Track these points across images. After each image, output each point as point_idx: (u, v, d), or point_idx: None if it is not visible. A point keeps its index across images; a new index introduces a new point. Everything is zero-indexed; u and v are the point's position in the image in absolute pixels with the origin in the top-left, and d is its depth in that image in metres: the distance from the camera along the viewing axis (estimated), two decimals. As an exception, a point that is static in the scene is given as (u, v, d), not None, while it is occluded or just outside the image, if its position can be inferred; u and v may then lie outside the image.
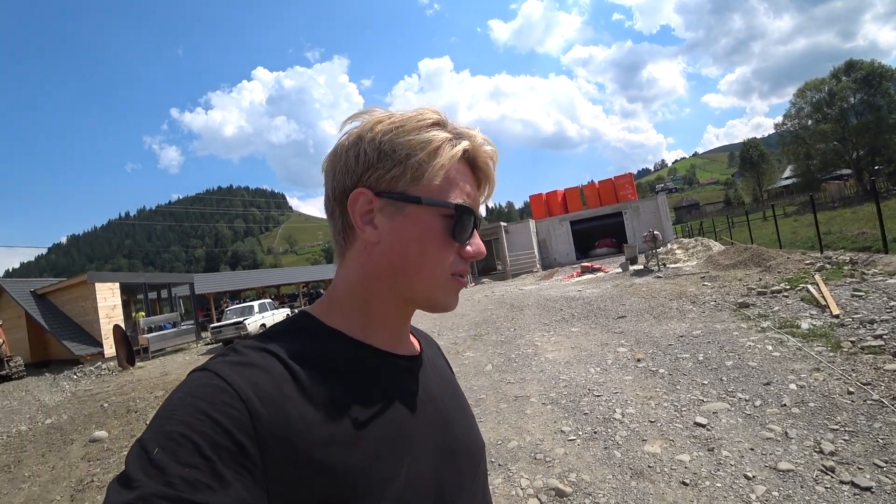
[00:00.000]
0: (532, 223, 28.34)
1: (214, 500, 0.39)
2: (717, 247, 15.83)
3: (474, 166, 0.61)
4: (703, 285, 9.72)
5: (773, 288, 7.67)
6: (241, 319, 15.18)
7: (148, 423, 0.44)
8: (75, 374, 14.79)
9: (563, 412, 4.15)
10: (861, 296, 6.03)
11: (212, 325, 16.57)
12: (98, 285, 17.11)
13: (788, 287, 7.61)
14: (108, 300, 17.31)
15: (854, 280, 7.05)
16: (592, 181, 32.63)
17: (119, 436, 6.92)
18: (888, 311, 5.21)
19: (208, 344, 16.69)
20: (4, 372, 16.05)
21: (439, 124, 0.58)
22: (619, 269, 15.80)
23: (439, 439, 0.59)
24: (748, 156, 71.20)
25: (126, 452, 4.17)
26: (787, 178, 61.10)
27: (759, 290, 7.81)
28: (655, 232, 14.10)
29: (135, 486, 0.39)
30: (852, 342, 4.52)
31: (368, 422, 0.52)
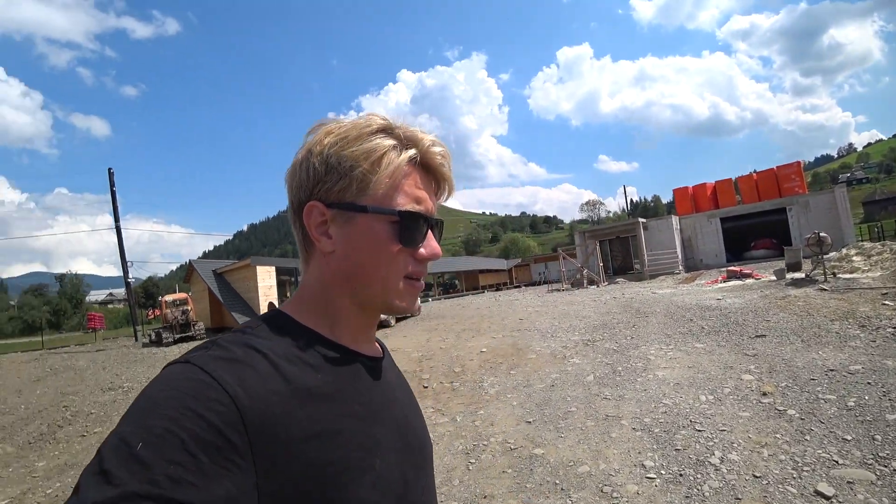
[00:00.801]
0: (675, 220, 25.75)
1: (200, 498, 0.38)
2: (914, 255, 12.76)
3: (426, 168, 0.62)
4: (883, 304, 7.88)
5: None
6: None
7: (124, 415, 0.44)
8: (240, 341, 17.38)
9: (653, 443, 3.71)
10: None
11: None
12: (259, 268, 19.93)
13: None
14: (266, 281, 20.02)
15: None
16: (753, 172, 28.31)
17: None
18: None
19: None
20: (190, 333, 19.73)
21: (384, 130, 0.60)
22: (774, 277, 13.61)
23: (401, 436, 0.62)
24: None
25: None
26: None
27: None
28: (822, 234, 11.80)
29: (116, 482, 0.37)
30: None
31: (346, 417, 0.54)
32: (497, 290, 40.45)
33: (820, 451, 3.28)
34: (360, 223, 0.58)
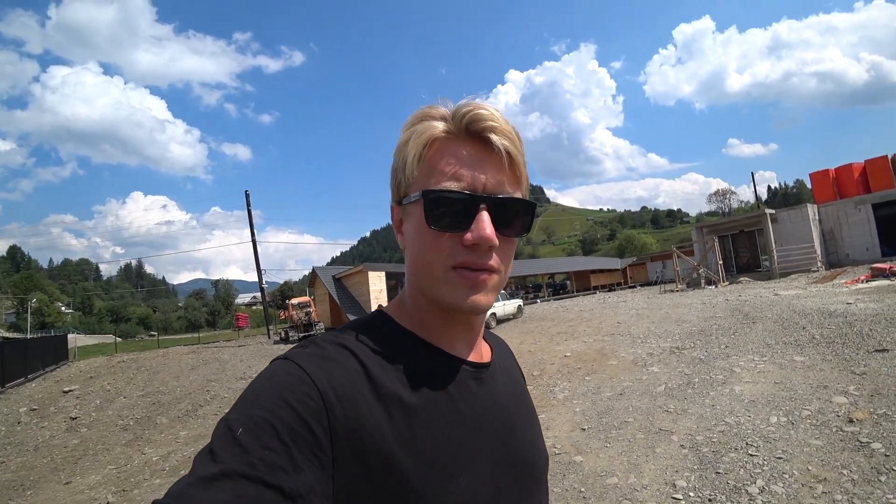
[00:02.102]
0: (812, 209, 22.51)
1: (288, 483, 0.41)
2: None
3: (476, 139, 0.55)
4: None
5: None
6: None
7: (234, 403, 0.48)
8: (352, 341, 18.98)
9: (696, 462, 3.54)
10: None
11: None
12: (370, 273, 21.52)
13: None
14: (377, 285, 21.54)
15: None
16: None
17: None
18: None
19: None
20: (312, 333, 21.92)
21: (426, 118, 0.57)
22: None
23: (501, 449, 0.59)
24: None
25: None
26: None
27: None
28: None
29: (219, 461, 0.42)
30: None
31: (433, 427, 0.53)
32: (610, 290, 38.67)
33: (891, 497, 2.87)
34: (411, 214, 0.57)
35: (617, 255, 62.62)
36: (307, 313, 22.75)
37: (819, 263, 21.11)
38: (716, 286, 20.60)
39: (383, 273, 22.04)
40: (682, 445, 3.89)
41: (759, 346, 7.13)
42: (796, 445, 3.66)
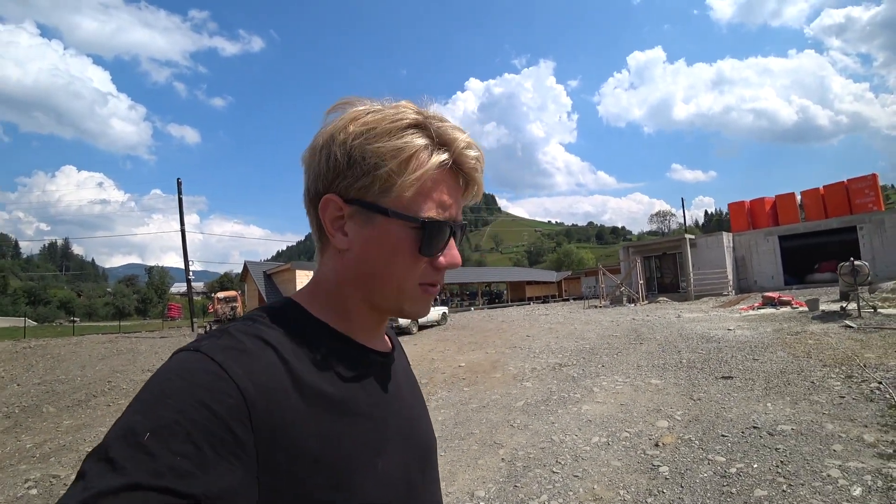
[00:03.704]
0: (727, 237, 24.10)
1: (203, 489, 0.38)
2: (976, 291, 11.22)
3: (457, 170, 0.58)
4: (898, 351, 7.10)
5: None
6: (393, 312, 16.97)
7: (132, 401, 0.43)
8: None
9: (504, 475, 3.71)
10: None
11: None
12: (298, 272, 21.17)
13: None
14: (304, 284, 21.19)
15: None
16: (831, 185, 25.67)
17: None
18: None
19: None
20: (236, 329, 21.25)
21: (417, 126, 0.56)
22: (807, 308, 12.48)
23: (407, 433, 0.61)
24: None
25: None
26: None
27: None
28: (858, 262, 10.70)
29: (121, 471, 0.37)
30: None
31: (352, 416, 0.53)
32: (544, 302, 39.76)
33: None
34: (380, 225, 0.55)
35: (555, 268, 64.42)
36: (232, 308, 22.08)
37: (730, 288, 22.57)
38: (635, 304, 21.59)
39: (311, 273, 21.68)
40: (502, 459, 4.06)
41: (630, 368, 7.54)
42: (597, 465, 3.88)
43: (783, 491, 3.26)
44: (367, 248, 0.56)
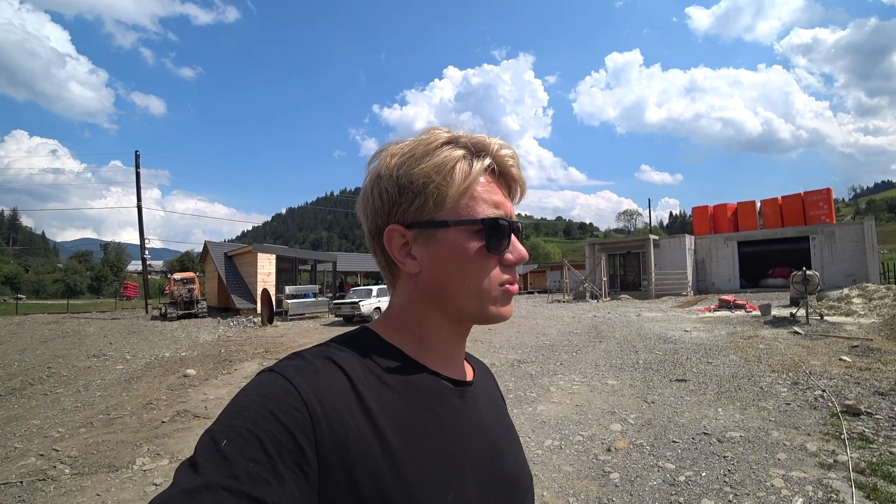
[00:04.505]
0: (689, 239, 24.75)
1: (271, 495, 0.41)
2: (915, 303, 11.82)
3: (498, 173, 0.61)
4: (841, 360, 7.34)
5: None
6: (357, 300, 16.57)
7: (219, 414, 0.47)
8: (232, 322, 17.93)
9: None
10: None
11: (334, 302, 18.48)
12: (260, 255, 20.48)
13: None
14: (266, 267, 20.53)
15: None
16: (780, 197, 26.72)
17: (202, 376, 8.34)
18: None
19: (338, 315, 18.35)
20: (193, 311, 20.50)
21: (451, 142, 0.59)
22: (759, 312, 12.90)
23: (488, 468, 0.59)
24: None
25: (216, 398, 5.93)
26: None
27: None
28: (809, 272, 11.08)
29: (202, 472, 0.42)
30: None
31: (419, 443, 0.52)
32: (509, 294, 40.07)
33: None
34: (443, 239, 0.57)
35: (522, 261, 65.05)
36: (189, 290, 21.21)
37: (689, 289, 23.22)
38: (598, 301, 21.94)
39: (274, 256, 21.08)
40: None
41: (588, 367, 7.56)
42: (549, 470, 3.79)
43: (729, 501, 3.24)
44: (437, 263, 0.57)
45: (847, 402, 5.09)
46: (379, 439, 0.49)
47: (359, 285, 28.59)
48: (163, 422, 5.64)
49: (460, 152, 0.58)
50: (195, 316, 20.35)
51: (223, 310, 22.15)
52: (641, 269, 25.77)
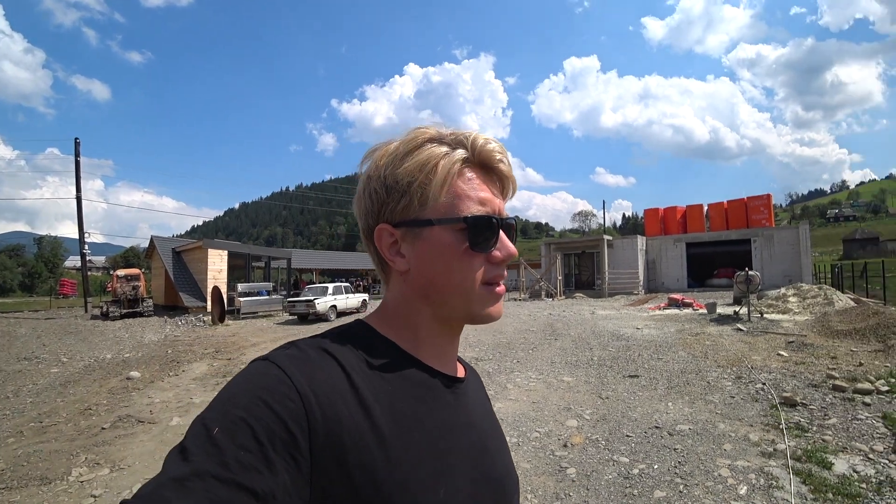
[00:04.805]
0: (641, 240, 25.71)
1: (262, 484, 0.41)
2: (841, 302, 12.70)
3: (484, 168, 0.60)
4: (779, 355, 7.78)
5: (861, 385, 5.53)
6: (312, 298, 16.18)
7: (210, 402, 0.47)
8: (181, 321, 17.15)
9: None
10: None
11: (288, 300, 18.00)
12: (210, 251, 19.67)
13: (887, 389, 5.40)
14: (216, 264, 19.75)
15: None
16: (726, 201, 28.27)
17: (147, 378, 7.90)
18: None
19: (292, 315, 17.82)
20: (138, 309, 19.49)
21: (434, 140, 0.59)
22: (706, 310, 13.54)
23: (477, 466, 0.58)
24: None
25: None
26: None
27: (841, 381, 5.73)
28: (751, 272, 11.71)
29: (192, 460, 0.41)
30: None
31: (413, 435, 0.52)
32: (467, 292, 40.26)
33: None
34: (429, 237, 0.57)
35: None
36: (134, 287, 20.12)
37: (640, 288, 24.11)
38: (553, 299, 22.42)
39: (226, 252, 20.30)
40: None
41: (544, 364, 7.69)
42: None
43: (680, 491, 3.36)
44: (424, 261, 0.58)
45: (784, 395, 5.40)
46: (372, 430, 0.49)
47: (314, 283, 28.01)
48: (103, 428, 5.30)
49: (443, 149, 0.58)
50: (140, 315, 19.39)
51: (170, 308, 21.17)
52: (595, 269, 26.53)
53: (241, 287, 19.04)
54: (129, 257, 66.80)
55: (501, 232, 0.59)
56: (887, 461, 3.71)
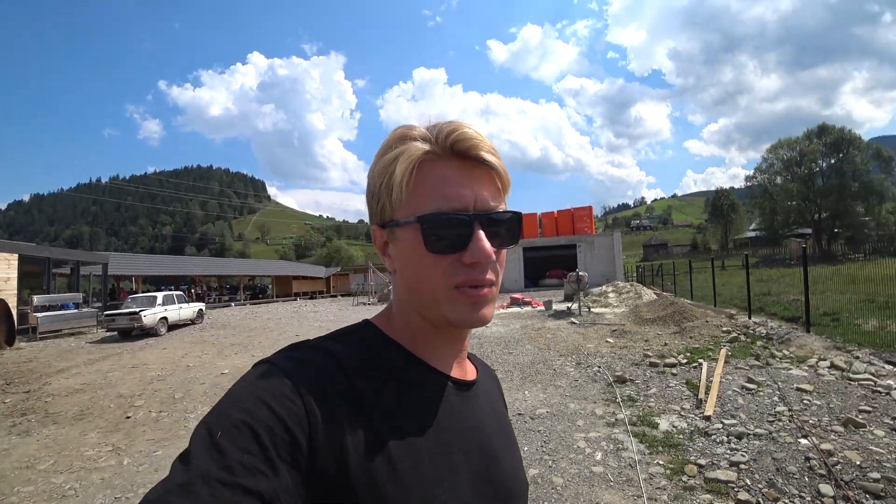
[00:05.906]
0: (485, 245, 27.83)
1: (266, 486, 0.41)
2: (647, 296, 15.36)
3: (463, 158, 0.55)
4: (606, 342, 9.08)
5: (668, 360, 6.80)
6: (138, 310, 14.00)
7: (213, 406, 0.47)
8: (-54, 347, 13.38)
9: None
10: (752, 390, 5.13)
11: (105, 312, 15.36)
12: (-14, 252, 15.76)
13: (686, 361, 6.75)
14: (3, 271, 15.90)
15: (757, 364, 6.24)
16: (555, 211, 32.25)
17: None
18: (769, 419, 4.28)
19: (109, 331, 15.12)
20: None
21: (405, 138, 0.56)
22: (544, 307, 15.19)
23: (482, 470, 0.57)
24: (719, 204, 71.92)
25: None
26: (753, 230, 61.95)
27: (654, 359, 6.98)
28: (581, 273, 13.52)
29: (196, 465, 0.41)
30: (700, 467, 3.50)
31: (414, 437, 0.52)
32: (311, 298, 38.90)
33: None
34: (401, 238, 0.56)
35: (325, 263, 63.12)
36: None
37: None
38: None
39: (15, 256, 16.44)
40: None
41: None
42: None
43: (550, 466, 3.76)
44: (401, 262, 0.57)
45: (616, 374, 6.37)
46: (373, 432, 0.49)
47: (136, 292, 24.32)
48: None
49: (405, 146, 0.54)
50: None
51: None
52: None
53: (37, 300, 15.65)
54: None
55: (479, 230, 0.53)
56: (693, 415, 4.66)
